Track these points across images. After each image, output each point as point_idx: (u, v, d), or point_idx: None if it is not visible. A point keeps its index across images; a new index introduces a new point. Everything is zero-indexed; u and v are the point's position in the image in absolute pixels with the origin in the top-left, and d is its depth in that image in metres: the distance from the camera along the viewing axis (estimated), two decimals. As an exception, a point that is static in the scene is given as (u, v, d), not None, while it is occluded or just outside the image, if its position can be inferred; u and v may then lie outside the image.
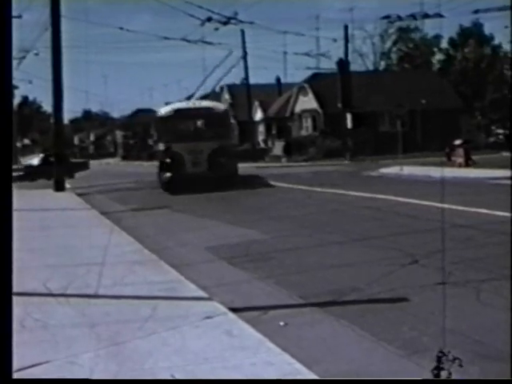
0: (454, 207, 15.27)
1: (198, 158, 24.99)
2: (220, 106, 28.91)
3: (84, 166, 41.51)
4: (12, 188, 4.95)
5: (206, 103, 28.38)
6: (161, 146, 25.86)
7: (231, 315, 6.52)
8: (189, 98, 30.59)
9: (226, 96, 72.65)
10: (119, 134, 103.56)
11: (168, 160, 24.80)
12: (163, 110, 27.04)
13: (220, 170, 24.78)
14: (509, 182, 22.96)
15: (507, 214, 13.97)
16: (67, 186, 26.24)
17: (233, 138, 33.27)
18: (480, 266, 9.14)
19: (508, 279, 8.17)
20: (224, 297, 7.54)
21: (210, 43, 31.26)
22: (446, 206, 15.81)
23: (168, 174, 24.63)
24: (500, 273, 8.56)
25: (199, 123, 27.09)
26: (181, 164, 24.77)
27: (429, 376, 4.45)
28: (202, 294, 7.44)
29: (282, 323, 6.65)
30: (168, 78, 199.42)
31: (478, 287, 7.82)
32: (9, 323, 4.63)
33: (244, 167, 42.45)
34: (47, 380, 5.02)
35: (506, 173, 25.34)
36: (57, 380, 5.02)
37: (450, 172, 26.39)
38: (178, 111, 26.19)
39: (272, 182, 27.14)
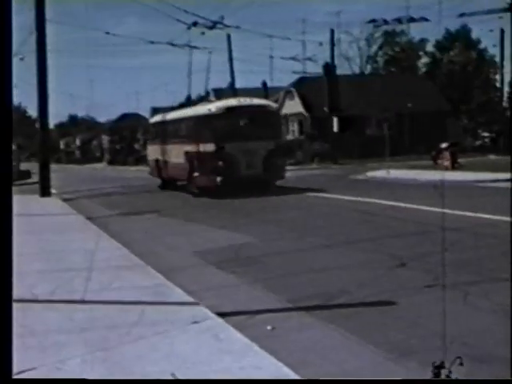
0: (441, 210, 15.29)
1: (252, 159, 23.20)
2: (272, 104, 26.43)
3: (26, 176, 39.60)
4: (12, 193, 4.92)
5: (257, 100, 26.00)
6: (209, 147, 23.23)
7: (219, 320, 6.51)
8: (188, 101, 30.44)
9: (213, 99, 72.61)
10: (105, 138, 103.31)
11: (220, 162, 22.71)
12: (212, 108, 24.39)
13: (275, 172, 23.57)
14: (496, 184, 23.11)
15: (494, 217, 14.05)
16: (53, 191, 26.12)
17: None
18: (468, 268, 9.16)
19: (495, 282, 8.21)
20: (211, 301, 7.52)
21: (196, 47, 31.23)
22: (432, 209, 15.87)
23: (219, 178, 22.71)
24: (487, 275, 8.59)
25: (252, 122, 24.18)
26: (234, 166, 22.96)
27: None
28: (189, 298, 7.43)
29: (269, 327, 6.64)
30: (154, 83, 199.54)
31: (466, 290, 7.83)
32: (9, 323, 4.61)
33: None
34: (47, 380, 5.02)
35: (492, 176, 25.50)
36: (57, 380, 5.03)
37: (436, 175, 26.45)
38: (230, 109, 23.93)
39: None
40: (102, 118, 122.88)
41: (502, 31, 48.60)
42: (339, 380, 5.32)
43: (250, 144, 23.03)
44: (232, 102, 25.15)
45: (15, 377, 5.04)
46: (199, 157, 23.70)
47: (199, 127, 24.19)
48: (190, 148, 24.44)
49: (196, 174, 23.92)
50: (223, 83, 64.51)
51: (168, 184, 29.06)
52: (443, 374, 4.34)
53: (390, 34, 69.65)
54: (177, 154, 26.49)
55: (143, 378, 5.04)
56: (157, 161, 30.20)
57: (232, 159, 22.86)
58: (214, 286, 8.80)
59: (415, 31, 68.36)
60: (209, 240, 13.15)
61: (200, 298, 7.50)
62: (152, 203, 22.48)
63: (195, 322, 6.35)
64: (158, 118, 33.01)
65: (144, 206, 21.42)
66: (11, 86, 4.74)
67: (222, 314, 6.78)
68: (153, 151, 31.61)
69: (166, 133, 29.13)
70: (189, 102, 36.22)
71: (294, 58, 50.88)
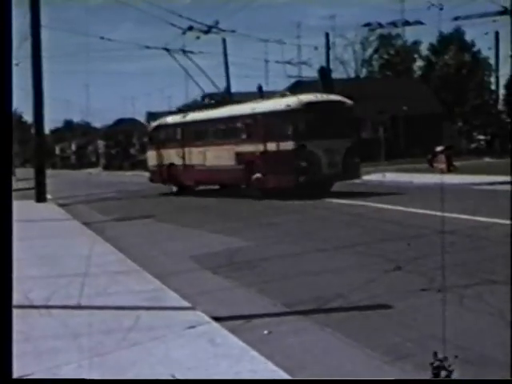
0: (438, 213, 15.34)
1: (333, 158, 22.30)
2: (347, 100, 24.49)
3: None
4: (12, 198, 4.96)
5: (333, 96, 24.99)
6: (286, 145, 22.08)
7: (215, 324, 6.51)
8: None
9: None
10: (101, 143, 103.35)
11: (302, 161, 21.70)
12: (292, 103, 22.71)
13: (354, 171, 22.82)
14: (492, 187, 23.14)
15: (489, 220, 14.07)
16: (48, 196, 26.10)
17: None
18: (463, 271, 9.17)
19: (489, 284, 8.22)
20: (207, 306, 7.52)
21: (191, 52, 31.21)
22: (428, 212, 15.90)
23: (301, 178, 21.76)
24: (482, 278, 8.60)
25: (331, 118, 22.76)
26: (316, 165, 22.00)
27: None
28: (185, 303, 7.42)
29: (265, 331, 6.64)
30: (150, 87, 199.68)
31: (461, 293, 7.84)
32: (9, 323, 4.62)
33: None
34: (47, 380, 5.03)
35: (488, 178, 25.56)
36: (57, 380, 5.04)
37: (432, 178, 26.53)
38: (309, 104, 22.59)
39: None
40: (97, 123, 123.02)
41: (497, 34, 48.79)
42: (339, 380, 5.34)
43: (331, 142, 22.20)
44: (309, 97, 23.59)
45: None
46: (267, 156, 22.60)
47: (270, 124, 22.74)
48: (249, 148, 23.37)
49: (258, 176, 23.04)
50: (219, 88, 64.52)
51: (185, 189, 28.02)
52: (443, 374, 4.35)
53: (385, 37, 69.85)
54: (218, 155, 25.26)
55: (143, 378, 5.05)
56: (168, 166, 28.95)
57: (314, 158, 21.95)
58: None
59: (410, 34, 68.38)
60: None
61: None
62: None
63: (191, 327, 6.34)
64: (168, 119, 31.33)
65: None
66: (11, 90, 4.76)
67: (218, 319, 6.78)
68: (159, 156, 30.04)
69: (189, 135, 27.69)
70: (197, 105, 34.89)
71: (289, 62, 50.94)
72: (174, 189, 29.11)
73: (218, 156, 25.48)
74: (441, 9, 32.54)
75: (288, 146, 22.00)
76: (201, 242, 13.42)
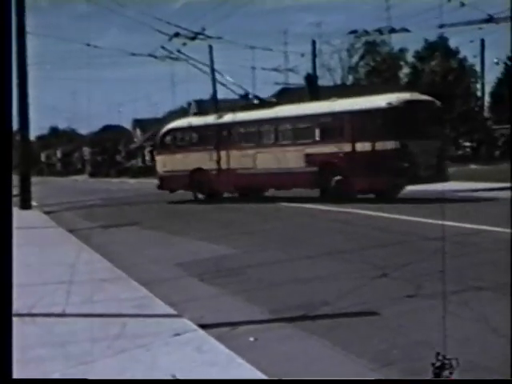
0: (423, 220, 15.41)
1: (429, 159, 21.58)
2: (436, 100, 23.23)
3: None
4: (12, 204, 4.93)
5: (424, 96, 23.70)
6: (384, 145, 21.12)
7: (201, 332, 6.49)
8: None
9: (195, 111, 72.68)
10: (87, 150, 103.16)
11: (405, 162, 20.87)
12: (393, 100, 21.78)
13: (444, 174, 21.96)
14: (476, 194, 23.23)
15: (475, 227, 14.12)
16: (34, 203, 25.99)
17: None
18: (448, 277, 9.19)
19: (475, 291, 8.24)
20: (193, 313, 7.49)
21: (177, 59, 31.22)
22: (414, 218, 15.96)
23: (399, 179, 21.24)
24: (468, 284, 8.62)
25: (426, 118, 22.11)
26: (416, 167, 21.26)
27: None
28: (171, 310, 7.40)
29: (251, 339, 6.62)
30: (136, 94, 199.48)
31: (447, 299, 7.85)
32: (9, 323, 4.63)
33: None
34: (47, 380, 5.03)
35: (474, 185, 25.66)
36: (57, 380, 5.04)
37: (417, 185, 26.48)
38: (409, 102, 21.82)
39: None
40: (83, 130, 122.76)
41: (483, 41, 49.03)
42: (339, 380, 5.35)
43: (426, 142, 21.53)
44: (406, 95, 22.97)
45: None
46: (354, 157, 21.58)
47: (361, 123, 21.60)
48: (324, 149, 22.37)
49: (338, 178, 22.23)
50: (205, 94, 64.67)
51: (213, 196, 26.29)
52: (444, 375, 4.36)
53: (371, 44, 70.06)
54: (277, 158, 23.94)
55: (143, 378, 5.01)
56: (193, 171, 26.69)
57: (414, 159, 21.13)
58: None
59: (396, 41, 68.72)
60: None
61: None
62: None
63: (177, 334, 6.32)
64: (191, 121, 29.18)
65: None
66: (11, 92, 4.79)
67: (204, 326, 6.76)
68: (175, 161, 27.62)
69: (229, 137, 26.00)
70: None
71: (275, 69, 51.15)
72: (200, 196, 27.19)
73: (275, 158, 24.09)
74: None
75: (387, 145, 21.08)
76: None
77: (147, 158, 78.70)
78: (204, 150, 26.65)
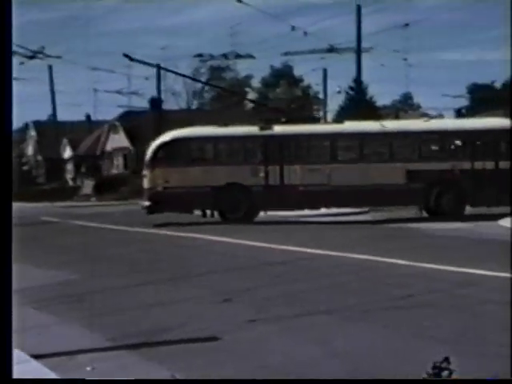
0: (263, 245, 15.59)
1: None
2: None
3: None
4: (12, 206, 5.07)
5: None
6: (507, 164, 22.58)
7: (34, 363, 6.14)
8: None
9: (32, 133, 70.66)
10: None
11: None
12: (504, 123, 23.70)
13: None
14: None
15: (319, 252, 14.43)
16: None
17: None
18: (292, 301, 9.30)
19: (319, 314, 8.36)
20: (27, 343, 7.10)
21: (15, 78, 30.20)
22: (253, 243, 16.10)
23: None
24: (312, 308, 8.73)
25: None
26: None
27: None
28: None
29: (88, 368, 6.34)
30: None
31: (289, 323, 7.91)
32: (8, 323, 4.60)
33: (48, 207, 41.31)
34: (47, 380, 5.09)
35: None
36: (57, 380, 5.10)
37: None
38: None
39: (81, 223, 26.48)
40: None
41: (325, 70, 50.59)
42: (339, 380, 5.36)
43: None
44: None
45: None
46: (471, 175, 23.08)
47: (481, 142, 23.60)
48: (431, 166, 23.05)
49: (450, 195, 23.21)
50: (43, 115, 62.87)
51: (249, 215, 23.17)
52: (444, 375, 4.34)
53: (216, 69, 70.73)
54: (364, 174, 22.81)
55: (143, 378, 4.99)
56: (221, 188, 22.96)
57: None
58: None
59: (242, 68, 69.74)
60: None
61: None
62: None
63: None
64: (214, 131, 24.85)
65: None
66: (11, 94, 4.98)
67: (39, 356, 6.42)
68: (197, 175, 23.40)
69: (284, 150, 23.56)
70: None
71: (119, 92, 50.65)
72: (216, 216, 23.64)
73: (362, 174, 22.99)
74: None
75: (507, 165, 22.64)
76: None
77: None
78: (242, 164, 23.73)
